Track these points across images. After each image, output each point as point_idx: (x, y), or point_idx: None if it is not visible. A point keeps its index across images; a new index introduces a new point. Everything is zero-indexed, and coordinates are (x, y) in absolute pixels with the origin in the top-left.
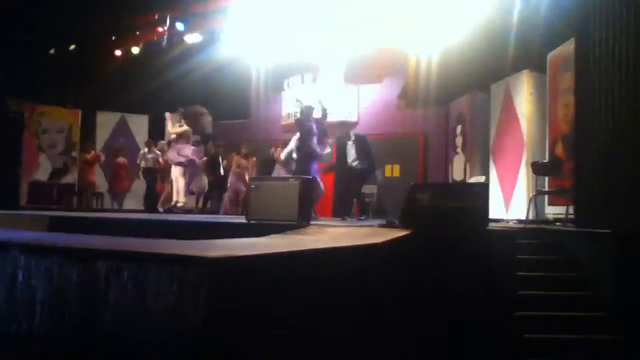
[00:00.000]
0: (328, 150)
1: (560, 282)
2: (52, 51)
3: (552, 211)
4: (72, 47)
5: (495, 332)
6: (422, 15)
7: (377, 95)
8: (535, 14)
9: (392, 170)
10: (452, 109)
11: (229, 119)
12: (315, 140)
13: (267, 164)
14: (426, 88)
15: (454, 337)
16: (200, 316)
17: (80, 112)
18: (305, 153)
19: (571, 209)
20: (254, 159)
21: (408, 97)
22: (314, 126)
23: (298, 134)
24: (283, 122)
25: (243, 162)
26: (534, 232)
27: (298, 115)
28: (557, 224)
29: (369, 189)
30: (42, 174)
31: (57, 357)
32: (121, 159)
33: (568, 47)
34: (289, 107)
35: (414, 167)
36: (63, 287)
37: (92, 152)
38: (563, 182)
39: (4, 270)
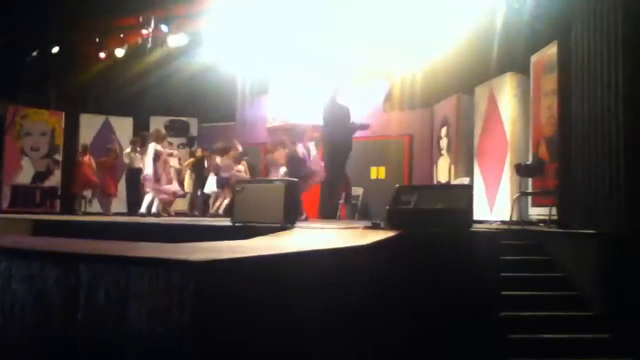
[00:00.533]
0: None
1: (544, 282)
2: (35, 53)
3: (535, 212)
4: (55, 49)
5: (479, 333)
6: (407, 19)
7: (364, 98)
8: (519, 18)
9: (378, 172)
10: (436, 111)
11: (213, 122)
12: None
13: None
14: (411, 90)
15: (438, 338)
16: (186, 320)
17: (63, 115)
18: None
19: (555, 210)
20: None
21: (393, 99)
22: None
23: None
24: (268, 125)
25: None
26: (517, 233)
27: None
28: (541, 224)
29: (353, 190)
30: (24, 177)
31: None
32: (109, 160)
33: (551, 50)
34: (274, 110)
35: (400, 169)
36: (45, 292)
37: (89, 156)
38: (546, 183)
39: None
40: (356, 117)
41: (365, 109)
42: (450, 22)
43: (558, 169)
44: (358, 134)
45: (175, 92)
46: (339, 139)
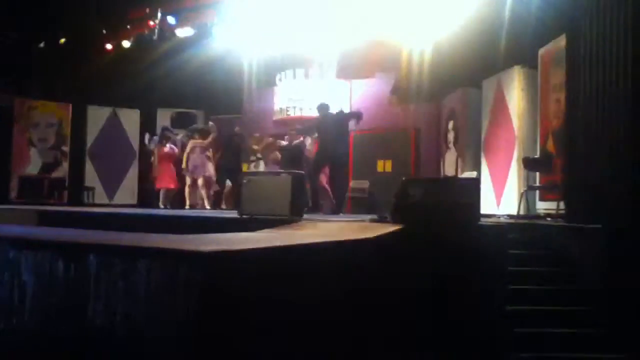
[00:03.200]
0: None
1: (551, 276)
2: (42, 45)
3: (543, 206)
4: (63, 40)
5: (485, 327)
6: (414, 11)
7: (369, 91)
8: (527, 10)
9: (384, 166)
10: (444, 105)
11: (220, 114)
12: None
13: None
14: (418, 83)
15: (445, 332)
16: (193, 311)
17: (71, 106)
18: None
19: (562, 205)
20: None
21: (400, 92)
22: None
23: None
24: (275, 117)
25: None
26: (525, 227)
27: None
28: (548, 219)
29: (360, 184)
30: (32, 168)
31: (47, 352)
32: (169, 148)
33: (559, 43)
34: (281, 102)
35: (406, 163)
36: (54, 282)
37: (169, 146)
38: (554, 177)
39: None
40: (363, 111)
41: (371, 102)
42: (458, 15)
43: (565, 163)
44: (365, 126)
45: (183, 84)
46: (343, 145)
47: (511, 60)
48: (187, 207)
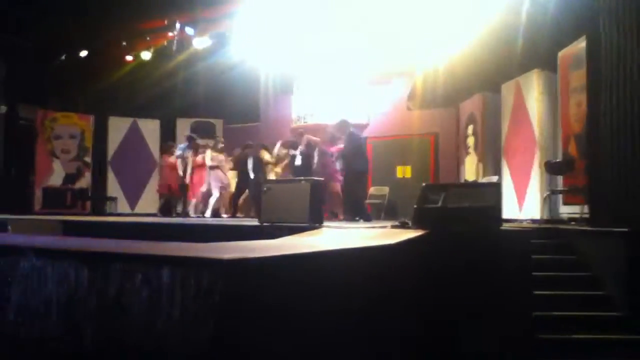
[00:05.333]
0: None
1: (576, 281)
2: (63, 57)
3: (566, 211)
4: (83, 53)
5: (510, 332)
6: (432, 16)
7: (387, 97)
8: (545, 13)
9: (404, 172)
10: (462, 109)
11: (238, 123)
12: None
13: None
14: (436, 88)
15: (469, 337)
16: (215, 319)
17: (92, 118)
18: None
19: (586, 208)
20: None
21: (418, 98)
22: None
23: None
24: (293, 125)
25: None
26: (548, 232)
27: None
28: (572, 223)
29: (379, 190)
30: (55, 179)
31: None
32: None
33: (578, 45)
34: (298, 110)
35: (425, 168)
36: (78, 291)
37: (168, 156)
38: (577, 181)
39: (19, 274)
40: (381, 117)
41: (388, 107)
42: (475, 19)
43: (588, 166)
44: (383, 132)
45: (201, 94)
46: (362, 164)
47: (530, 64)
48: (207, 215)
